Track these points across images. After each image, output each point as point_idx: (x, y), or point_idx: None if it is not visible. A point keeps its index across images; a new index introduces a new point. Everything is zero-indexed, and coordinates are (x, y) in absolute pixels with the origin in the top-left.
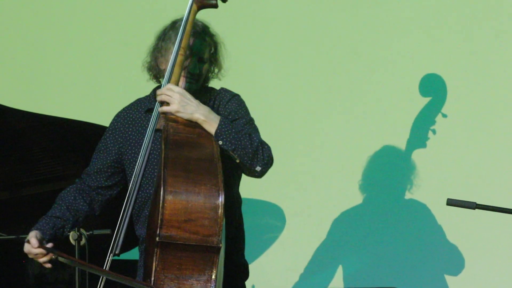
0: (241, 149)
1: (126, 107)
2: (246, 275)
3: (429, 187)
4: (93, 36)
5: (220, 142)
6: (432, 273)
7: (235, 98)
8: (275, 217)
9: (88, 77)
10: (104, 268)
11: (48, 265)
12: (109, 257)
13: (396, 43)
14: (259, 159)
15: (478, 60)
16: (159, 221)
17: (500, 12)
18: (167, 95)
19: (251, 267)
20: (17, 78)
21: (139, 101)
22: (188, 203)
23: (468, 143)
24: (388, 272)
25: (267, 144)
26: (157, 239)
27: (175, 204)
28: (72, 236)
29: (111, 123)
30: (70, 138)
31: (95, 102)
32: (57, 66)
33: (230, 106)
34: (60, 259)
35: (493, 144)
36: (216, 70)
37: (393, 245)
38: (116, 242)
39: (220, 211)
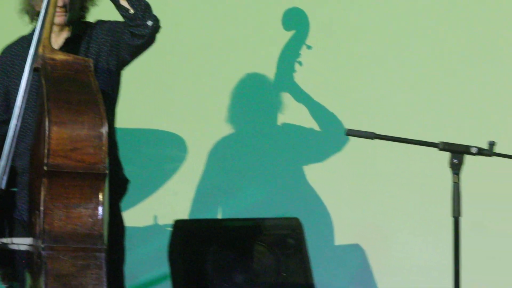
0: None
1: (10, 43)
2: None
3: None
4: None
5: None
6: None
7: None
8: (176, 147)
9: None
10: None
11: None
12: None
13: None
14: (151, 14)
15: None
16: (45, 151)
17: None
18: None
19: (153, 197)
20: None
21: (23, 38)
22: (73, 132)
23: (336, 70)
24: (292, 200)
25: None
26: (45, 168)
27: (61, 134)
28: None
29: None
30: None
31: None
32: None
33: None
34: None
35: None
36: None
37: (288, 171)
38: (0, 175)
39: (104, 139)
